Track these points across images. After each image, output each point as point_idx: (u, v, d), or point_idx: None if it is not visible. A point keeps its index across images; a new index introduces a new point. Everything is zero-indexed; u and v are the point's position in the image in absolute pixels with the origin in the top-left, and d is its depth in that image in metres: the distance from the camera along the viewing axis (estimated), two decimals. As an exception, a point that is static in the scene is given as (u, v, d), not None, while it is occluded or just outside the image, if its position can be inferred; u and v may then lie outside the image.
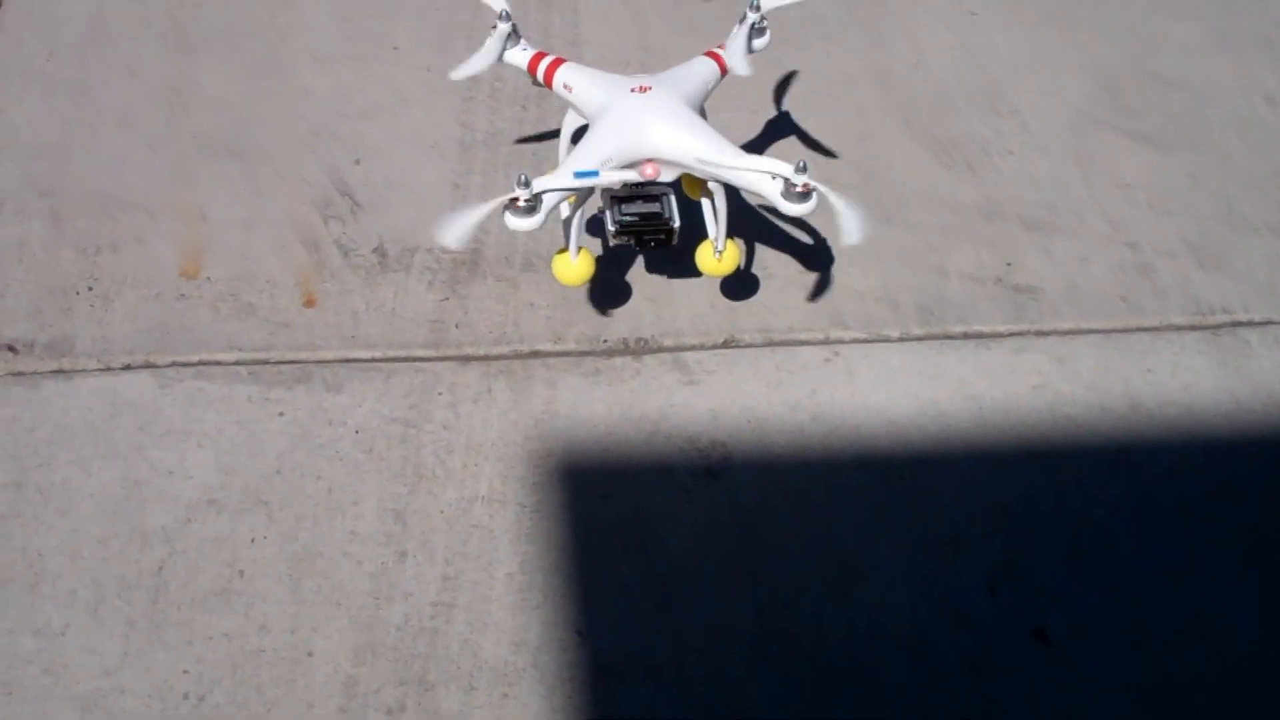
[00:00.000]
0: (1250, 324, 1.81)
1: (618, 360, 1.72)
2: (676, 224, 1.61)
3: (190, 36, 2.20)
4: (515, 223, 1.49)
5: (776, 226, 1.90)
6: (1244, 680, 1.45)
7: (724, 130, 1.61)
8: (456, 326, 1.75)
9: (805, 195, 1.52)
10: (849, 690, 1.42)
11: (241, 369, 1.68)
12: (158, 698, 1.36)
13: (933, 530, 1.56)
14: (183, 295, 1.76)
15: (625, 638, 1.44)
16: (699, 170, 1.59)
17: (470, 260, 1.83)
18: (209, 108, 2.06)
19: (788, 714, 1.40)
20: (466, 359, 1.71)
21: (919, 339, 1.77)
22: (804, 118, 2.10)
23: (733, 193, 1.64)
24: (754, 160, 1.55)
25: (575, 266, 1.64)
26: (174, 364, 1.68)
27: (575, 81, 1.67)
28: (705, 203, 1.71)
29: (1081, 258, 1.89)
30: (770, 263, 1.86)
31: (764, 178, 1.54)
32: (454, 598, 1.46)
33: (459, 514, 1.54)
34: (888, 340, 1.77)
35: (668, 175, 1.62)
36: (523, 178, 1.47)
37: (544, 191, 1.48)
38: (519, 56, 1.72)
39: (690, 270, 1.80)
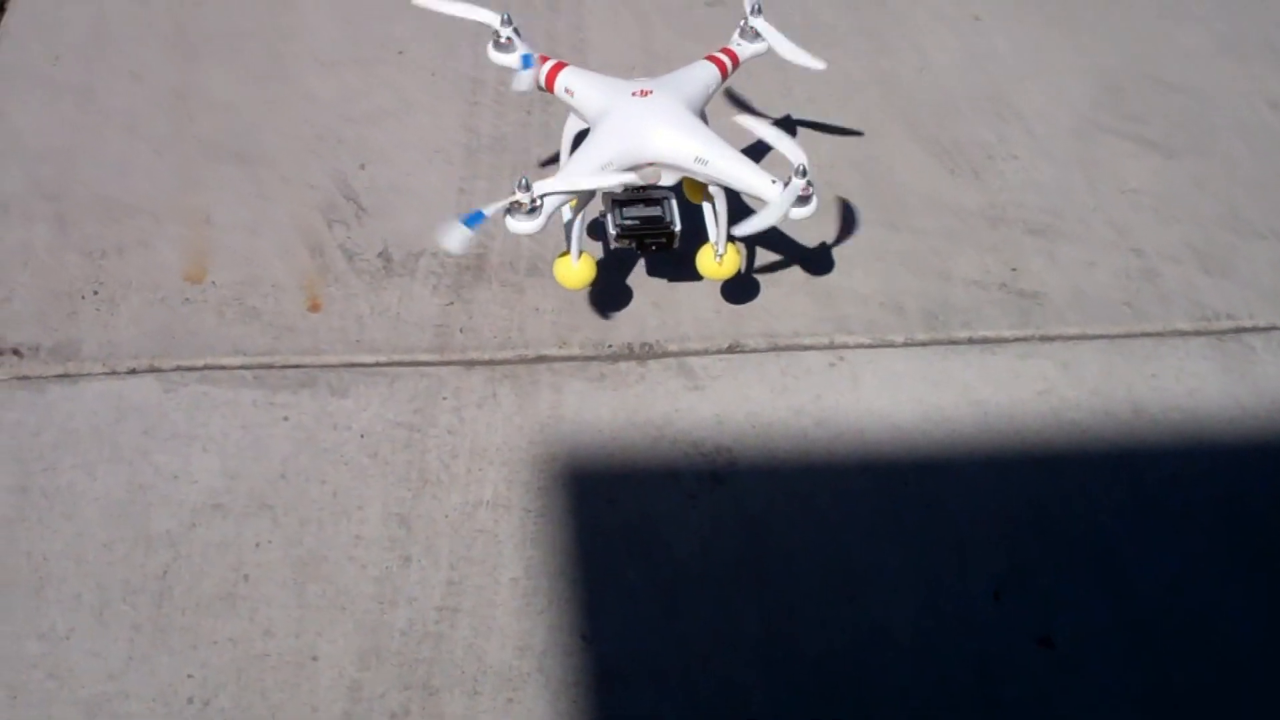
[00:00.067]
0: (1255, 329, 1.81)
1: (623, 365, 1.72)
2: (677, 227, 1.61)
3: (194, 40, 2.21)
4: (517, 226, 1.50)
5: (781, 231, 1.90)
6: (1249, 686, 1.45)
7: (727, 135, 1.61)
8: (461, 331, 1.75)
9: (805, 199, 1.53)
10: (854, 696, 1.42)
11: (246, 373, 1.68)
12: (162, 702, 1.36)
13: (937, 536, 1.56)
14: (187, 299, 1.77)
15: (630, 643, 1.44)
16: (699, 174, 1.59)
17: (475, 265, 1.83)
18: (214, 112, 2.07)
19: (792, 719, 1.40)
20: (471, 364, 1.71)
21: (923, 344, 1.77)
22: (807, 122, 2.10)
23: (734, 196, 1.65)
24: (754, 166, 1.56)
25: (577, 270, 1.64)
26: (179, 368, 1.68)
27: (576, 85, 1.68)
28: (706, 206, 1.71)
29: (1086, 263, 1.89)
30: (775, 268, 1.86)
31: (764, 181, 1.55)
32: (458, 602, 1.46)
33: (464, 519, 1.54)
34: (892, 345, 1.77)
35: (669, 179, 1.63)
36: (523, 181, 1.48)
37: (545, 194, 1.49)
38: (517, 61, 1.72)
39: (694, 275, 1.81)
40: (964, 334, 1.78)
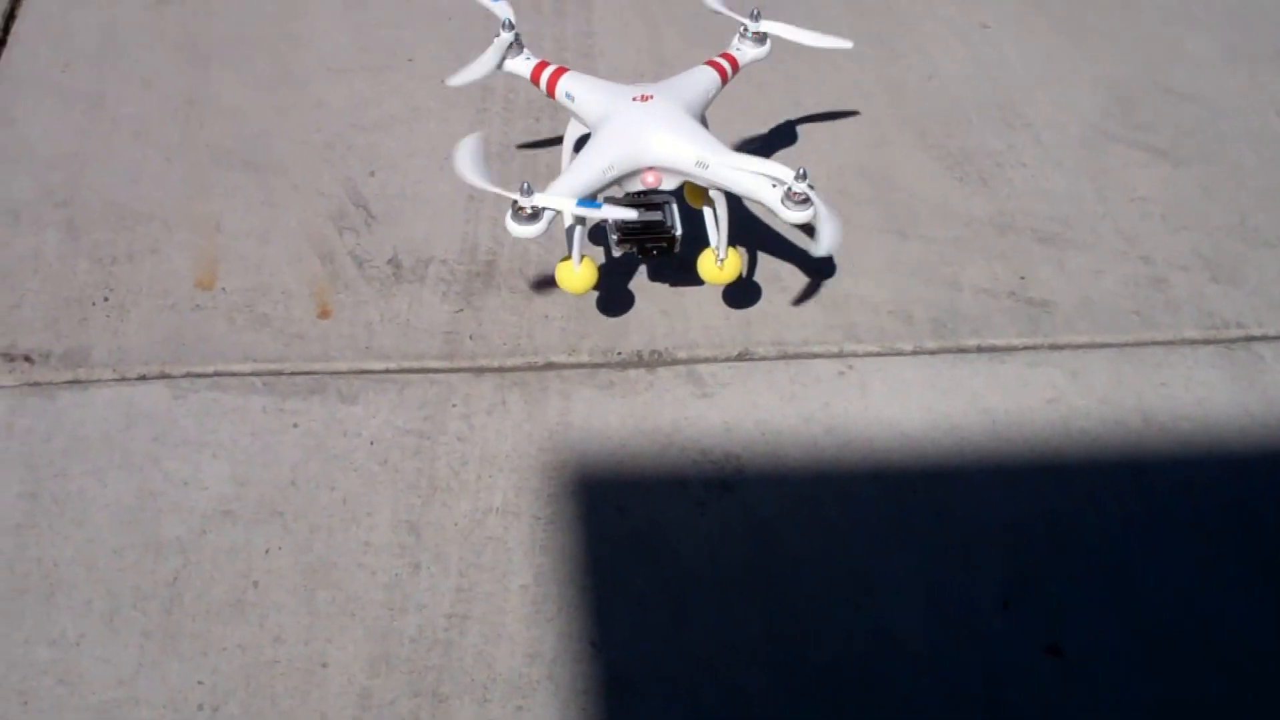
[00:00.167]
0: (1264, 338, 1.81)
1: (631, 372, 1.72)
2: (679, 232, 1.62)
3: (204, 48, 2.21)
4: (517, 230, 1.51)
5: (790, 240, 1.90)
6: (1259, 695, 1.44)
7: (735, 140, 1.61)
8: (471, 338, 1.75)
9: (805, 202, 1.53)
10: (860, 704, 1.41)
11: (256, 380, 1.68)
12: (172, 708, 1.37)
13: (946, 543, 1.56)
14: (198, 306, 1.77)
15: (639, 650, 1.44)
16: (700, 178, 1.60)
17: (485, 272, 1.84)
18: (224, 119, 2.07)
19: (801, 728, 1.40)
20: (481, 371, 1.71)
21: (932, 352, 1.77)
22: (816, 130, 2.11)
23: (735, 201, 1.65)
24: (755, 165, 1.56)
25: (578, 274, 1.64)
26: (189, 375, 1.68)
27: (577, 90, 1.68)
28: (707, 211, 1.72)
29: (1095, 271, 1.89)
30: (784, 276, 1.86)
31: (764, 185, 1.55)
32: (468, 609, 1.46)
33: (473, 526, 1.54)
34: (901, 354, 1.77)
35: (670, 183, 1.63)
36: (525, 186, 1.48)
37: (543, 208, 1.50)
38: (521, 65, 1.73)
39: (703, 282, 1.81)
40: (973, 342, 1.79)
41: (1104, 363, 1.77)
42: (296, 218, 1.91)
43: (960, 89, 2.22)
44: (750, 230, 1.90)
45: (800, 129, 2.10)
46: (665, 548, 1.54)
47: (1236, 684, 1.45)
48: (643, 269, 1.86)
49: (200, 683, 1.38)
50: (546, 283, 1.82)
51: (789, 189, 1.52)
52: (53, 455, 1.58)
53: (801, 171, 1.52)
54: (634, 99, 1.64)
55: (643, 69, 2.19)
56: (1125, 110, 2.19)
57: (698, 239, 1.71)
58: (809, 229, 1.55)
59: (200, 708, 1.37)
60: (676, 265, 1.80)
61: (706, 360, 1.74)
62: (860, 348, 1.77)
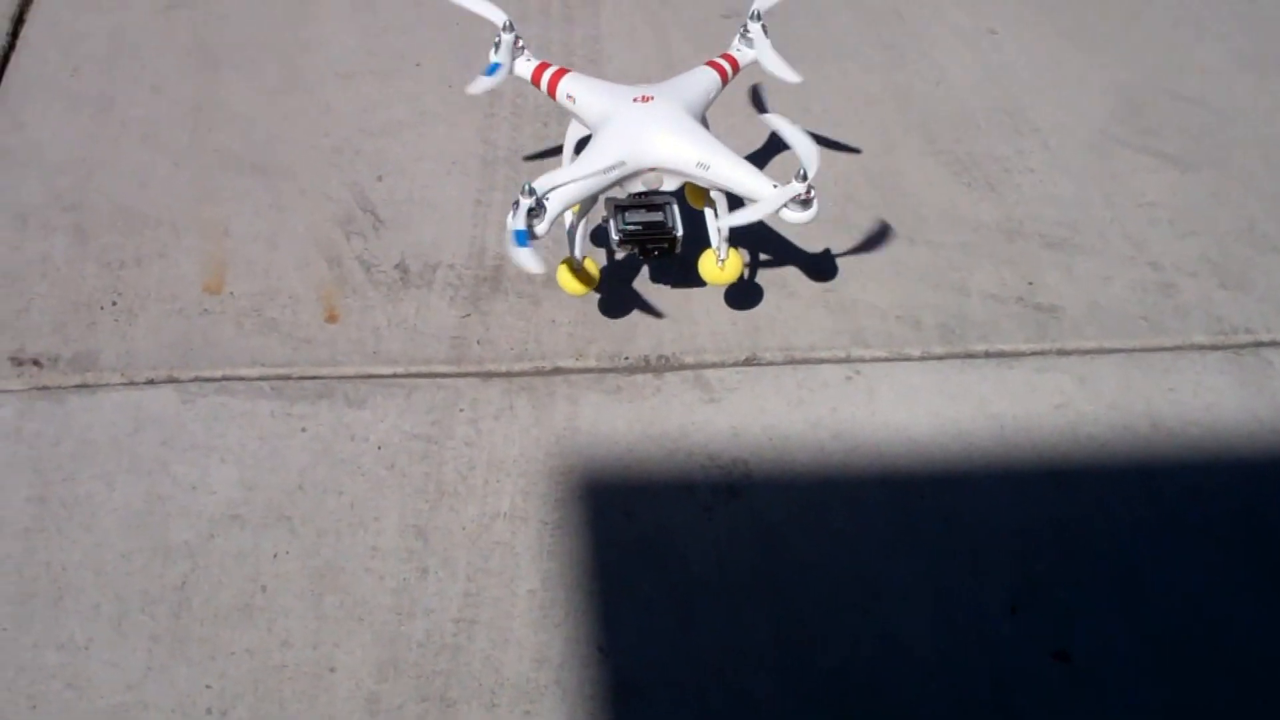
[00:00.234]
0: (1273, 344, 1.81)
1: (639, 377, 1.72)
2: (680, 232, 1.63)
3: (213, 52, 2.22)
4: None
5: (797, 244, 1.90)
6: (1267, 701, 1.44)
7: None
8: (478, 343, 1.75)
9: (806, 203, 1.54)
10: (868, 709, 1.41)
11: (264, 384, 1.68)
12: (180, 713, 1.37)
13: (953, 549, 1.55)
14: (206, 310, 1.77)
15: (647, 655, 1.44)
16: (701, 179, 1.60)
17: (492, 277, 1.84)
18: (232, 123, 2.08)
19: (809, 733, 1.40)
20: (488, 375, 1.71)
21: (940, 358, 1.77)
22: (824, 135, 2.10)
23: (736, 202, 1.65)
24: (755, 170, 1.57)
25: (580, 275, 1.65)
26: (197, 379, 1.68)
27: (578, 92, 1.69)
28: (708, 211, 1.72)
29: (1103, 277, 1.89)
30: (791, 281, 1.86)
31: (765, 185, 1.56)
32: (476, 614, 1.46)
33: (481, 530, 1.54)
34: (909, 359, 1.77)
35: (670, 184, 1.64)
36: (526, 186, 1.49)
37: (550, 189, 1.50)
38: (522, 67, 1.74)
39: (711, 288, 1.81)
40: (981, 347, 1.78)
41: (1112, 368, 1.76)
42: (304, 222, 1.91)
43: (968, 94, 2.22)
44: (757, 235, 1.90)
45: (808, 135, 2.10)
46: (673, 553, 1.53)
47: (1245, 689, 1.45)
48: (645, 271, 1.86)
49: (208, 687, 1.38)
50: (553, 287, 1.82)
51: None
52: (61, 459, 1.58)
53: (802, 172, 1.52)
54: (635, 100, 1.64)
55: (650, 74, 2.19)
56: (1133, 116, 2.19)
57: (699, 239, 1.71)
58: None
59: (209, 712, 1.37)
60: (677, 266, 1.80)
61: (714, 365, 1.74)
62: (868, 353, 1.77)
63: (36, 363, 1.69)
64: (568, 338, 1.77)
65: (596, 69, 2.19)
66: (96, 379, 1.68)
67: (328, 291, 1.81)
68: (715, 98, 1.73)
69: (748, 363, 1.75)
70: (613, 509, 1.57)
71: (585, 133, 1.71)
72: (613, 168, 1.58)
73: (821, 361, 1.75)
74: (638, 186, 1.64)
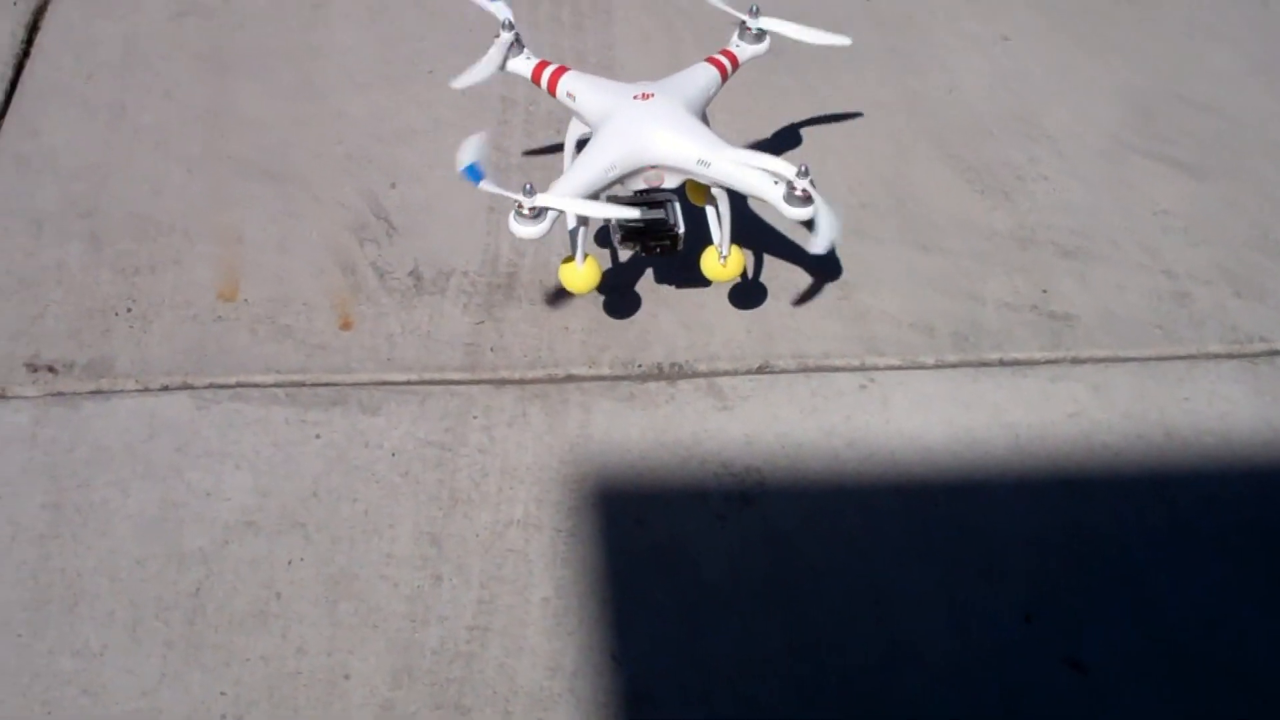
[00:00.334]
0: (1288, 353, 1.81)
1: (652, 385, 1.72)
2: (681, 230, 1.63)
3: (226, 59, 2.22)
4: (521, 230, 1.53)
5: (810, 252, 1.90)
6: (1284, 713, 1.44)
7: (729, 137, 1.62)
8: (491, 350, 1.75)
9: (807, 200, 1.53)
10: (880, 716, 1.41)
11: (278, 391, 1.68)
12: (195, 719, 1.37)
13: (967, 557, 1.55)
14: (220, 317, 1.78)
15: (660, 663, 1.44)
16: (702, 176, 1.60)
17: (505, 284, 1.84)
18: (245, 130, 2.08)
19: (823, 742, 1.40)
20: (501, 382, 1.71)
21: (954, 366, 1.77)
22: (836, 143, 2.11)
23: (737, 198, 1.65)
24: (758, 161, 1.57)
25: (581, 274, 1.65)
26: (211, 385, 1.69)
27: (578, 90, 1.69)
28: (709, 209, 1.72)
29: (1117, 285, 1.89)
30: (804, 288, 1.86)
31: (766, 182, 1.56)
32: (489, 622, 1.46)
33: (494, 538, 1.54)
34: (923, 367, 1.77)
35: (672, 181, 1.64)
36: (528, 186, 1.49)
37: (544, 208, 1.51)
38: (522, 65, 1.74)
39: (724, 295, 1.82)
40: (995, 356, 1.78)
41: (1127, 377, 1.76)
42: (318, 229, 1.91)
43: (981, 101, 2.21)
44: (770, 240, 1.90)
45: (820, 141, 2.10)
46: (686, 561, 1.53)
47: (1259, 702, 1.44)
48: (651, 274, 1.86)
49: (223, 694, 1.39)
50: (566, 295, 1.82)
51: (790, 186, 1.53)
52: (76, 465, 1.58)
53: (803, 168, 1.52)
54: (635, 97, 1.64)
55: (663, 81, 2.20)
56: (1146, 123, 2.19)
57: (702, 237, 1.71)
58: (809, 225, 1.56)
59: (223, 718, 1.37)
60: (679, 266, 1.80)
61: (727, 373, 1.74)
62: (881, 361, 1.77)
63: (51, 369, 1.70)
64: (581, 345, 1.77)
65: (609, 76, 2.19)
66: (111, 385, 1.68)
67: (341, 298, 1.81)
68: (715, 94, 1.73)
69: (761, 370, 1.75)
70: (625, 517, 1.57)
71: (585, 130, 1.71)
72: (613, 166, 1.58)
73: (835, 369, 1.75)
74: (639, 184, 1.64)
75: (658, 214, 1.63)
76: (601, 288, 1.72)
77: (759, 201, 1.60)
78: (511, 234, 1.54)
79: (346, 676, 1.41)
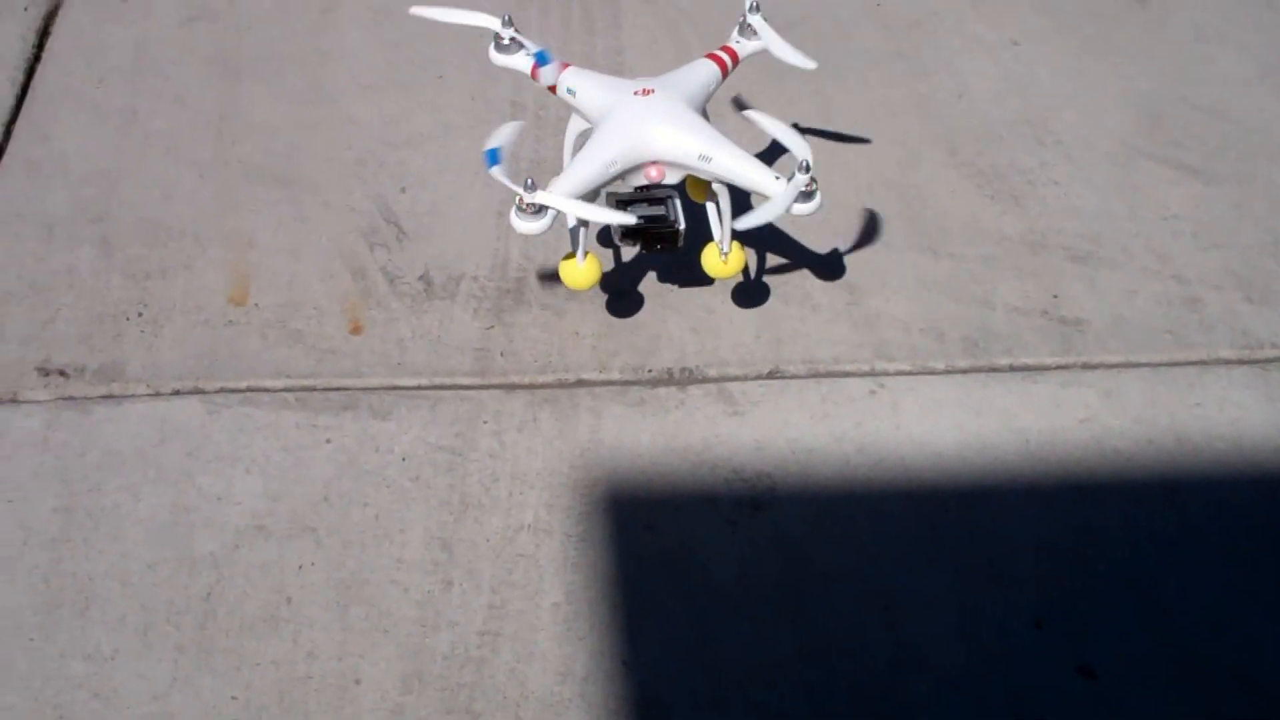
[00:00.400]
0: (1299, 358, 1.80)
1: (662, 390, 1.72)
2: (682, 226, 1.63)
3: (236, 64, 2.23)
4: (522, 226, 1.54)
5: (821, 257, 1.90)
6: (1296, 719, 1.43)
7: (730, 132, 1.62)
8: (502, 355, 1.75)
9: (809, 195, 1.53)
10: (895, 725, 1.41)
11: (289, 395, 1.69)
12: (206, 724, 1.37)
13: (978, 563, 1.55)
14: (231, 322, 1.78)
15: (670, 669, 1.44)
16: (703, 171, 1.60)
17: (515, 289, 1.84)
18: (256, 135, 2.08)
19: (834, 748, 1.40)
20: (512, 387, 1.72)
21: (964, 371, 1.77)
22: (846, 147, 2.11)
23: (738, 194, 1.65)
24: (758, 162, 1.57)
25: (582, 270, 1.66)
26: (222, 390, 1.69)
27: (578, 85, 1.69)
28: (710, 206, 1.72)
29: (1128, 290, 1.89)
30: (814, 293, 1.86)
31: (768, 177, 1.56)
32: (500, 627, 1.46)
33: (505, 543, 1.54)
34: (933, 373, 1.76)
35: (672, 177, 1.64)
36: (529, 181, 1.50)
37: (543, 205, 1.51)
38: (521, 62, 1.73)
39: (733, 300, 1.81)
40: (1005, 361, 1.78)
41: (1138, 383, 1.76)
42: (328, 234, 1.92)
43: (990, 106, 2.21)
44: (780, 245, 1.90)
45: (830, 146, 2.10)
46: (696, 566, 1.53)
47: (1268, 707, 1.44)
48: (667, 283, 1.86)
49: (234, 698, 1.39)
50: (577, 300, 1.82)
51: (792, 179, 1.53)
52: (87, 470, 1.59)
53: (804, 164, 1.52)
54: (636, 93, 1.64)
55: (672, 86, 2.20)
56: (1156, 128, 2.19)
57: (702, 234, 1.71)
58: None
59: (234, 723, 1.37)
60: (684, 264, 1.80)
61: (737, 378, 1.74)
62: (892, 366, 1.77)
63: (63, 373, 1.70)
64: (591, 350, 1.77)
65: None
66: (122, 390, 1.69)
67: (352, 303, 1.81)
68: (715, 90, 1.73)
69: (771, 376, 1.75)
70: (636, 522, 1.57)
71: (585, 127, 1.71)
72: (614, 161, 1.58)
73: (845, 375, 1.75)
74: (640, 180, 1.64)
75: (658, 210, 1.63)
76: (608, 290, 1.72)
77: (760, 199, 1.59)
78: (513, 230, 1.54)
79: (357, 681, 1.41)
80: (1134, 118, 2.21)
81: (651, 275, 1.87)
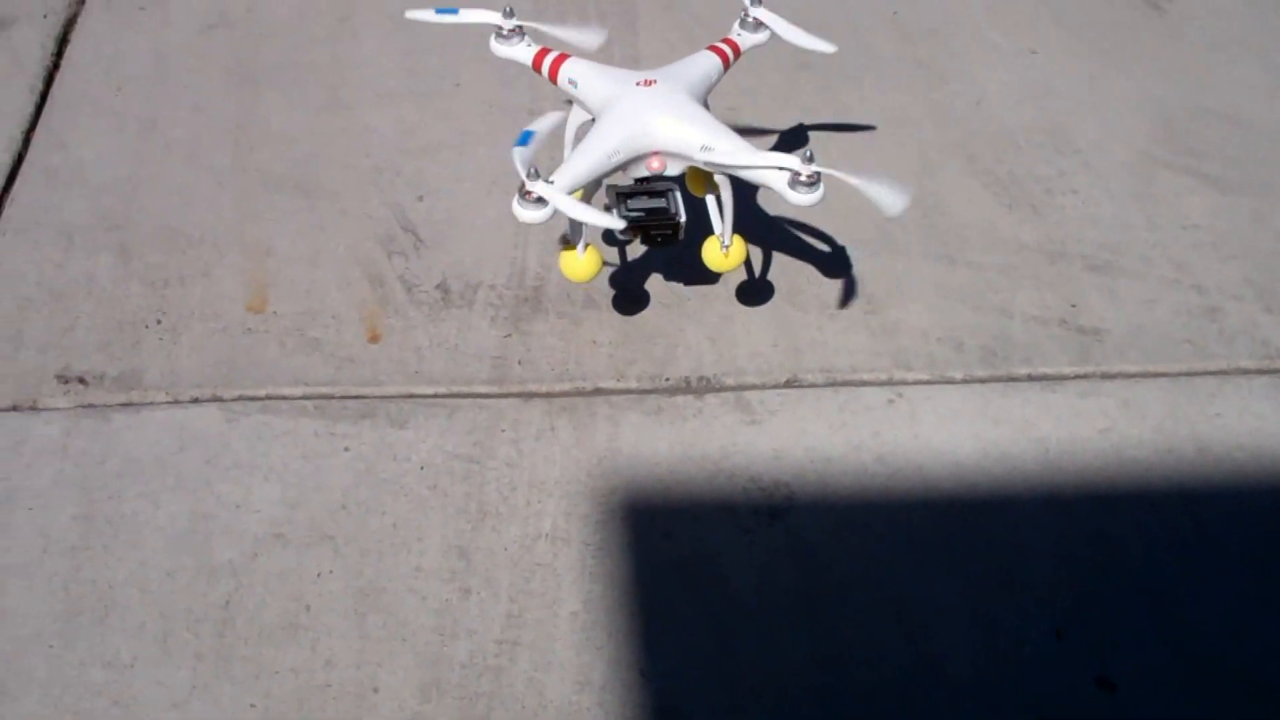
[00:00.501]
0: (1319, 368, 1.80)
1: (680, 399, 1.72)
2: (683, 219, 1.62)
3: (254, 72, 2.24)
4: (524, 214, 1.52)
5: (838, 265, 1.90)
6: (1317, 732, 1.43)
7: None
8: (519, 363, 1.75)
9: (813, 185, 1.51)
10: (914, 735, 1.41)
11: (307, 403, 1.69)
12: (225, 732, 1.37)
13: (996, 573, 1.55)
14: (249, 330, 1.78)
15: (688, 677, 1.44)
16: (704, 163, 1.60)
17: (532, 297, 1.84)
18: (274, 144, 2.09)
19: (853, 758, 1.39)
20: (529, 396, 1.72)
21: (983, 381, 1.76)
22: (863, 155, 2.10)
23: (740, 186, 1.65)
24: (760, 152, 1.56)
25: (582, 263, 1.66)
26: (241, 398, 1.69)
27: (580, 76, 1.69)
28: (710, 199, 1.71)
29: (1147, 300, 1.88)
30: (832, 302, 1.86)
31: (771, 169, 1.54)
32: (518, 636, 1.46)
33: (523, 551, 1.54)
34: (951, 381, 1.76)
35: (674, 169, 1.63)
36: (533, 170, 1.49)
37: (543, 197, 1.50)
38: (523, 53, 1.74)
39: (751, 309, 1.81)
40: (1024, 370, 1.77)
41: (1157, 393, 1.75)
42: (346, 242, 1.92)
43: (1008, 115, 2.21)
44: (797, 253, 1.90)
45: (846, 153, 2.10)
46: (714, 575, 1.53)
47: (1293, 719, 1.43)
48: (684, 293, 1.86)
49: (253, 706, 1.39)
50: (594, 308, 1.82)
51: (795, 172, 1.51)
52: (106, 477, 1.59)
53: (808, 154, 1.51)
54: (638, 84, 1.64)
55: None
56: (1173, 136, 2.18)
57: (703, 229, 1.71)
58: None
59: (252, 731, 1.37)
60: (675, 257, 1.80)
61: (755, 387, 1.74)
62: (910, 375, 1.76)
63: (82, 381, 1.71)
64: (608, 358, 1.77)
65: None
66: (141, 397, 1.69)
67: (370, 311, 1.82)
68: (717, 82, 1.73)
69: (789, 385, 1.75)
70: (653, 530, 1.57)
71: (586, 118, 1.71)
72: (616, 152, 1.58)
73: (863, 384, 1.75)
74: (642, 171, 1.63)
75: (659, 204, 1.63)
76: (619, 290, 1.71)
77: (767, 197, 1.58)
78: (515, 218, 1.53)
79: (375, 689, 1.41)
80: (1152, 126, 2.20)
81: (667, 281, 1.87)
